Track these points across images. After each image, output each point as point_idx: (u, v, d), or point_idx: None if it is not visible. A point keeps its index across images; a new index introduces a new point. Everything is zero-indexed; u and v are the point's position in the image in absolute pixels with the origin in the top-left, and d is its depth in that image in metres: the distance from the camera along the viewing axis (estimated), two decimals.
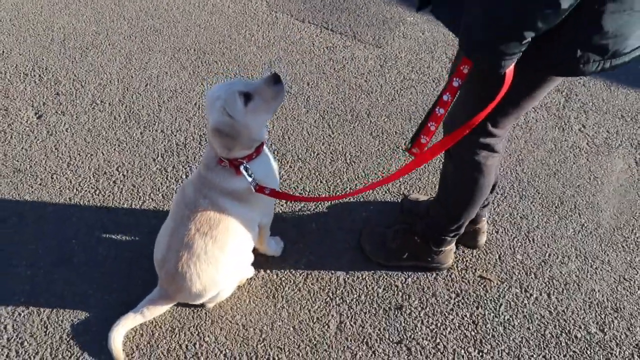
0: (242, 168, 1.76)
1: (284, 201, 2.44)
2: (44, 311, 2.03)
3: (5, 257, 2.19)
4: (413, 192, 2.56)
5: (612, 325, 2.15)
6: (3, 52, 3.20)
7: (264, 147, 1.86)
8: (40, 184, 2.47)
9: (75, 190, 2.45)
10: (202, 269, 1.81)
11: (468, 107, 1.62)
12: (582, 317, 2.16)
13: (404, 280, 2.22)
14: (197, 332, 2.01)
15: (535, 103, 1.66)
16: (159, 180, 2.53)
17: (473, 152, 1.78)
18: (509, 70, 1.39)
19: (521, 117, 2.95)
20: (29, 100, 2.89)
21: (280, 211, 2.42)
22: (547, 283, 2.26)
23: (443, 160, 1.98)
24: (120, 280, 2.15)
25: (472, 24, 1.32)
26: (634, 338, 2.12)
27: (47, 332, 1.97)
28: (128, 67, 3.15)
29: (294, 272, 2.22)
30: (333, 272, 2.23)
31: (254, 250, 2.07)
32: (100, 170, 2.55)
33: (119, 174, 2.54)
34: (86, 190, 2.46)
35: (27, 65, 3.12)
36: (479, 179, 1.86)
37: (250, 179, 1.77)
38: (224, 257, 1.84)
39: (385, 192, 2.55)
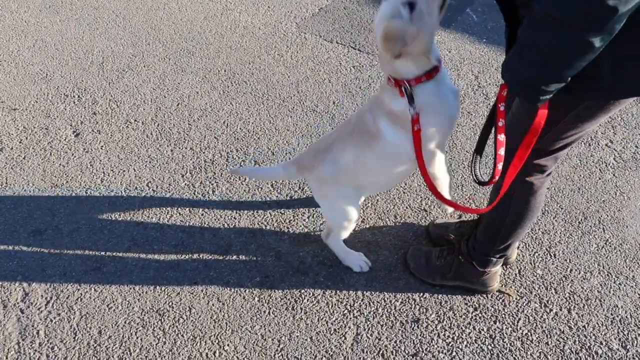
0: (403, 88, 1.71)
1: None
2: (73, 318, 2.13)
3: (41, 266, 2.31)
4: (436, 211, 2.58)
5: (636, 342, 2.11)
6: (47, 75, 3.40)
7: (439, 72, 1.75)
8: (75, 198, 2.61)
9: (107, 205, 2.58)
10: (338, 165, 1.96)
11: (520, 129, 1.60)
12: (603, 333, 2.14)
13: (421, 294, 2.24)
14: (217, 341, 2.08)
15: (597, 125, 1.63)
16: (186, 195, 2.63)
17: (526, 174, 1.76)
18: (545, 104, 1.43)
19: None
20: (67, 119, 3.06)
21: (303, 225, 2.49)
22: (568, 298, 2.25)
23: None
24: (147, 288, 2.24)
25: (517, 61, 1.37)
26: None
27: (76, 338, 2.07)
28: (161, 88, 3.29)
29: (313, 284, 2.27)
30: (352, 285, 2.27)
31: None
32: (131, 186, 2.67)
33: (148, 189, 2.65)
34: (117, 205, 2.58)
35: (67, 87, 3.30)
36: (530, 201, 1.86)
37: (408, 104, 1.71)
38: (359, 172, 1.97)
39: (407, 207, 2.58)
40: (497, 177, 1.63)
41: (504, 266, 2.32)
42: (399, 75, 1.71)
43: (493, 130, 1.64)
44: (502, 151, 1.59)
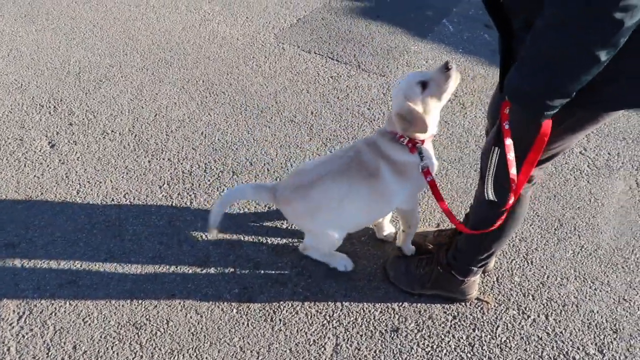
0: (417, 147, 1.99)
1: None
2: (47, 333, 2.09)
3: (14, 280, 2.27)
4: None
5: (611, 346, 2.14)
6: (22, 85, 3.35)
7: (430, 142, 2.09)
8: (50, 211, 2.57)
9: (83, 216, 2.54)
10: (322, 201, 2.02)
11: (521, 143, 1.59)
12: (580, 339, 2.16)
13: (400, 303, 2.24)
14: (195, 355, 2.06)
15: (584, 136, 1.67)
16: (164, 207, 2.60)
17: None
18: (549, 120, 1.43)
19: None
20: (43, 130, 3.02)
21: (281, 236, 2.48)
22: (545, 305, 2.27)
23: (477, 190, 1.97)
24: (124, 301, 2.21)
25: (520, 75, 1.36)
26: (633, 359, 2.10)
27: (50, 354, 2.03)
28: (139, 98, 3.27)
29: (292, 295, 2.26)
30: (331, 295, 2.26)
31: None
32: (108, 197, 2.64)
33: (125, 201, 2.62)
34: (94, 217, 2.54)
35: (43, 97, 3.26)
36: (516, 210, 1.86)
37: (421, 160, 1.99)
38: (344, 207, 2.04)
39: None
40: (513, 199, 1.64)
41: (482, 274, 2.34)
42: (412, 136, 1.99)
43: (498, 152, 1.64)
44: (513, 170, 1.58)
